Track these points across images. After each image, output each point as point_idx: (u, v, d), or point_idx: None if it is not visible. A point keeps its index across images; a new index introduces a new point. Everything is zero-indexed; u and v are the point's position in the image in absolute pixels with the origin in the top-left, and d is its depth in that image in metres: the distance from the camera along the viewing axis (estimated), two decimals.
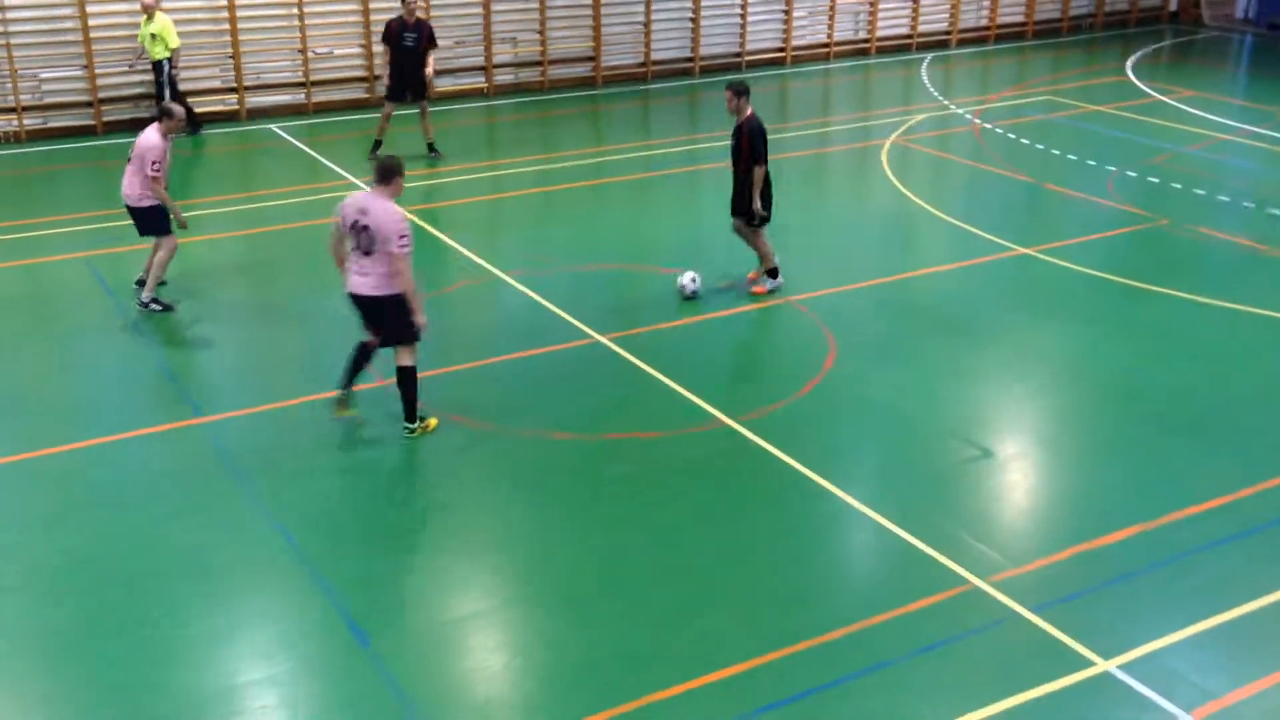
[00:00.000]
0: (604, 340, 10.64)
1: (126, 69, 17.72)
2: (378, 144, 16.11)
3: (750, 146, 11.21)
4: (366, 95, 19.57)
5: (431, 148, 16.41)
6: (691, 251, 12.74)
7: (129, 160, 10.95)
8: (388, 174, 8.57)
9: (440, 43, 17.64)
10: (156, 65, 17.03)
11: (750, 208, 11.43)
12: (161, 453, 8.86)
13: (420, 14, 16.66)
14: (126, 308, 11.36)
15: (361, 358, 8.98)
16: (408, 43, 15.61)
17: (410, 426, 8.96)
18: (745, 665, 6.50)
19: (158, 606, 7.02)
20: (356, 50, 19.43)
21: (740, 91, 11.22)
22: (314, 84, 19.20)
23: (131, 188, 10.97)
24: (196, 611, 6.99)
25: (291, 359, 10.48)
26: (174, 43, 16.94)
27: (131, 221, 11.26)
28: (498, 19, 20.17)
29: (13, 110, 17.26)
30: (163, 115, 10.87)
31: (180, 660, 6.61)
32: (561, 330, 10.87)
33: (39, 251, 12.95)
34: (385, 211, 8.43)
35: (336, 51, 19.30)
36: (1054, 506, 8.28)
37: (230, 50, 18.43)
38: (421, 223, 13.63)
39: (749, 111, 11.28)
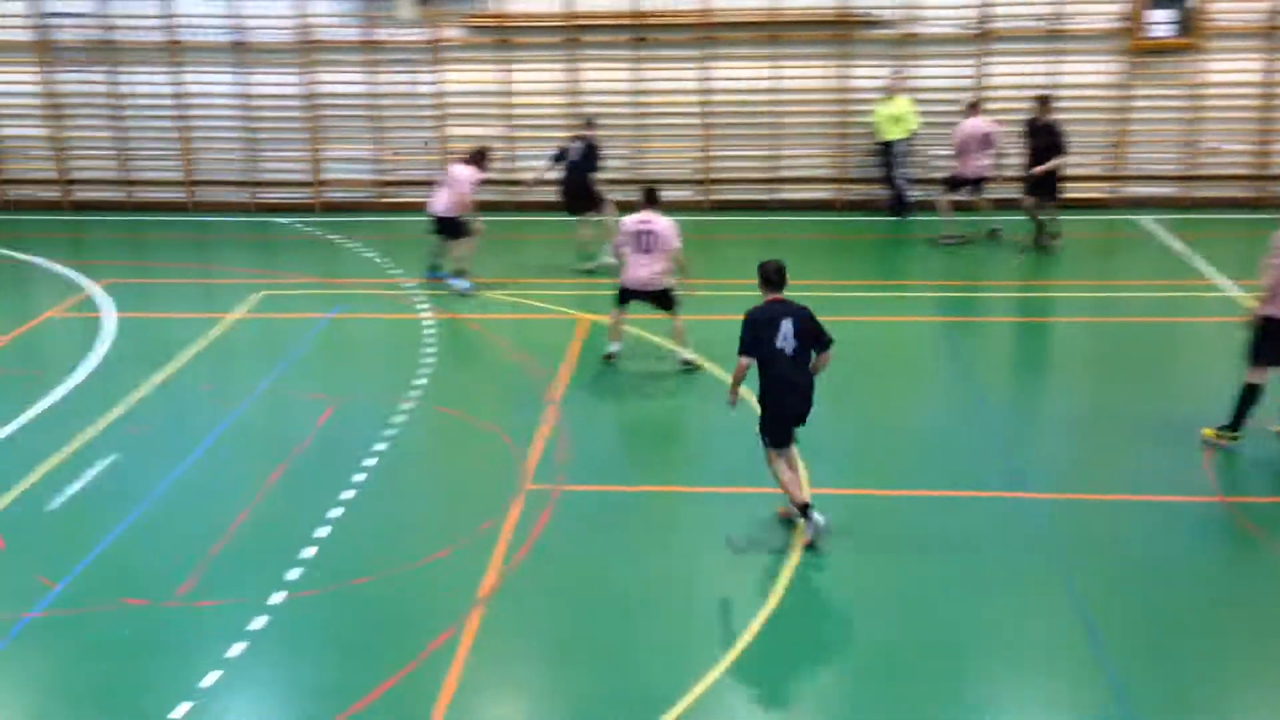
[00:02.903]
0: None
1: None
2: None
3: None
4: (1254, 195, 18.44)
5: None
6: None
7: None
8: None
9: None
10: (887, 145, 17.89)
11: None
12: (984, 517, 9.22)
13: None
14: (963, 370, 11.97)
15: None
16: None
17: None
18: None
19: (947, 653, 7.37)
20: (1248, 147, 18.42)
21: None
22: (1195, 179, 18.56)
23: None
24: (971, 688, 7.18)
25: (1116, 455, 10.31)
26: (912, 125, 17.83)
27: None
28: None
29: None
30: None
31: None
32: None
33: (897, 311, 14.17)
34: None
35: (1224, 147, 18.49)
36: None
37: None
38: None
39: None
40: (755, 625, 7.71)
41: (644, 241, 11.85)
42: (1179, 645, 7.52)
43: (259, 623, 7.74)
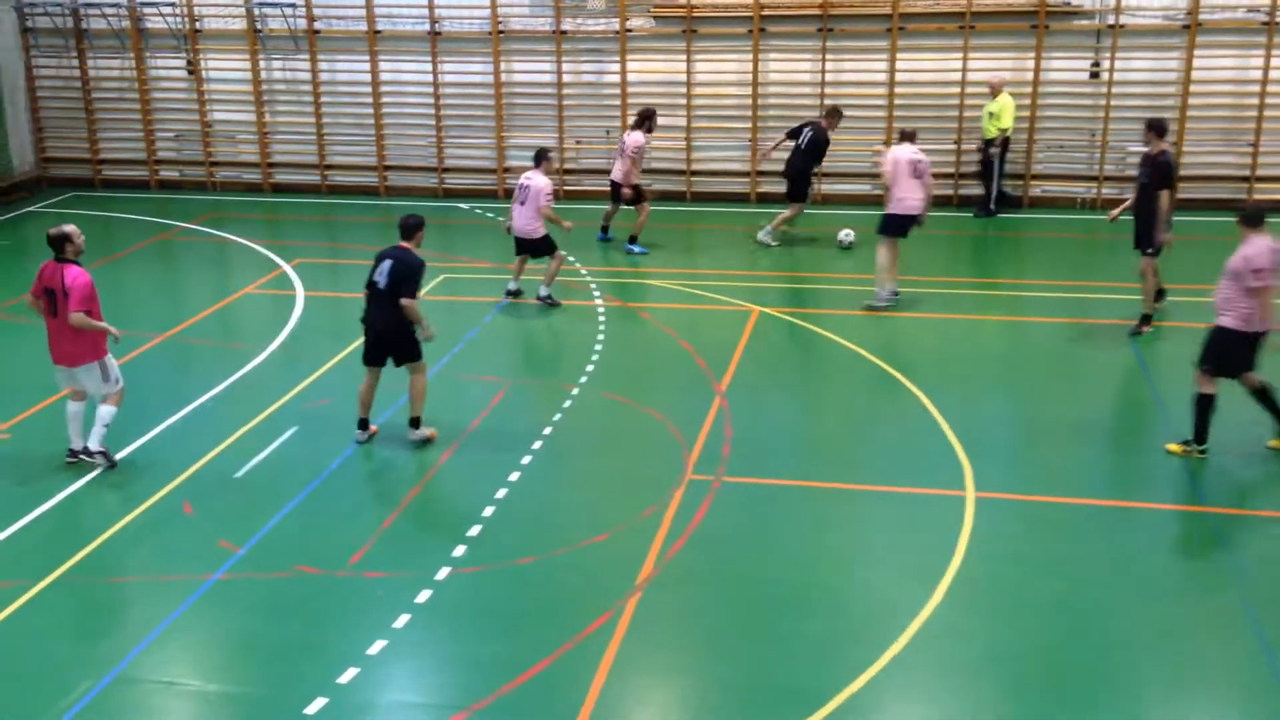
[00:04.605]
0: None
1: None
2: None
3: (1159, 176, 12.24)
4: None
5: None
6: None
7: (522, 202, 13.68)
8: None
9: None
10: (988, 142, 17.43)
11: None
12: (1158, 528, 8.85)
13: None
14: (1130, 375, 11.44)
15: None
16: None
17: None
18: None
19: (1113, 665, 7.09)
20: None
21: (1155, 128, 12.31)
22: None
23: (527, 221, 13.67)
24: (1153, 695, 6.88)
25: None
26: (1007, 123, 17.21)
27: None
28: None
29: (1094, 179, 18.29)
30: (541, 158, 13.79)
31: None
32: None
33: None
34: None
35: None
36: None
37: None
38: None
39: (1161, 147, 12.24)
40: (914, 626, 7.55)
41: (519, 194, 13.68)
42: None
43: (424, 596, 7.97)
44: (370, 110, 19.77)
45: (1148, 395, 11.28)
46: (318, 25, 19.57)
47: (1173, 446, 9.85)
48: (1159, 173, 12.36)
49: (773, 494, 9.44)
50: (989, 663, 7.32)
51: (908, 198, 13.47)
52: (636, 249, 16.06)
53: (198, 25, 19.90)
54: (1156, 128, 12.43)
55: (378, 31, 19.38)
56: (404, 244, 10.10)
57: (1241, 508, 9.08)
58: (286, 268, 15.70)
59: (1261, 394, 9.71)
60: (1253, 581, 8.03)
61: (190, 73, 20.16)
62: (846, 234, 16.07)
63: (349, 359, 11.99)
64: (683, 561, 8.42)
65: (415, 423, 10.27)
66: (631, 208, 16.20)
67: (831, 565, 8.42)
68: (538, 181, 13.62)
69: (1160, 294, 12.96)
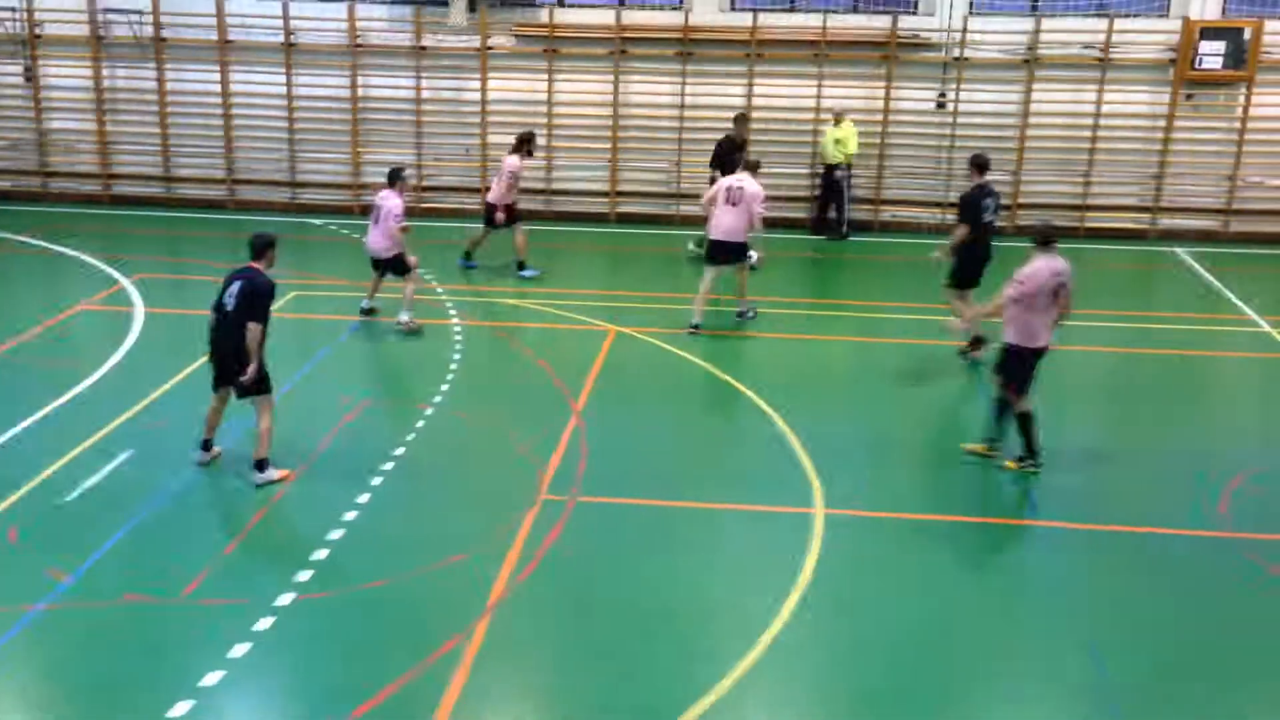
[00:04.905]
0: None
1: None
2: None
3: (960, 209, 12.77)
4: None
5: None
6: None
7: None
8: None
9: None
10: (835, 167, 17.93)
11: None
12: (998, 543, 9.11)
13: None
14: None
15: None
16: None
17: None
18: None
19: (957, 681, 7.25)
20: None
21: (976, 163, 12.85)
22: (1235, 212, 18.33)
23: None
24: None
25: (1135, 487, 10.17)
26: (854, 148, 17.77)
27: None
28: None
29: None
30: (395, 178, 13.53)
31: None
32: None
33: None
34: None
35: (1268, 182, 18.22)
36: None
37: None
38: None
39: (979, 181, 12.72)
40: (763, 642, 7.61)
41: (373, 213, 13.54)
42: (1183, 676, 7.38)
43: (265, 624, 7.71)
44: (220, 122, 19.22)
45: (986, 414, 11.62)
46: (166, 33, 18.96)
47: (1009, 464, 10.18)
48: (960, 207, 12.86)
49: (627, 514, 9.42)
50: (835, 677, 7.44)
51: (721, 224, 13.58)
52: (528, 273, 15.74)
53: (38, 31, 19.08)
54: (978, 163, 12.84)
55: (229, 41, 18.88)
56: (254, 264, 9.75)
57: (1071, 521, 9.40)
58: (126, 282, 15.10)
59: (1024, 416, 10.10)
60: (1082, 591, 8.34)
61: (27, 79, 19.31)
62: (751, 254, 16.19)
63: (192, 377, 11.55)
64: (535, 583, 8.33)
65: (261, 465, 9.68)
66: (504, 230, 15.80)
67: (684, 584, 8.43)
68: (390, 202, 13.38)
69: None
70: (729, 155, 15.83)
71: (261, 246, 9.80)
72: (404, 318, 13.40)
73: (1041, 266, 9.82)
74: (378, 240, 13.46)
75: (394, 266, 13.58)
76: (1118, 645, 7.72)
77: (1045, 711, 7.21)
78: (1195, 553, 8.98)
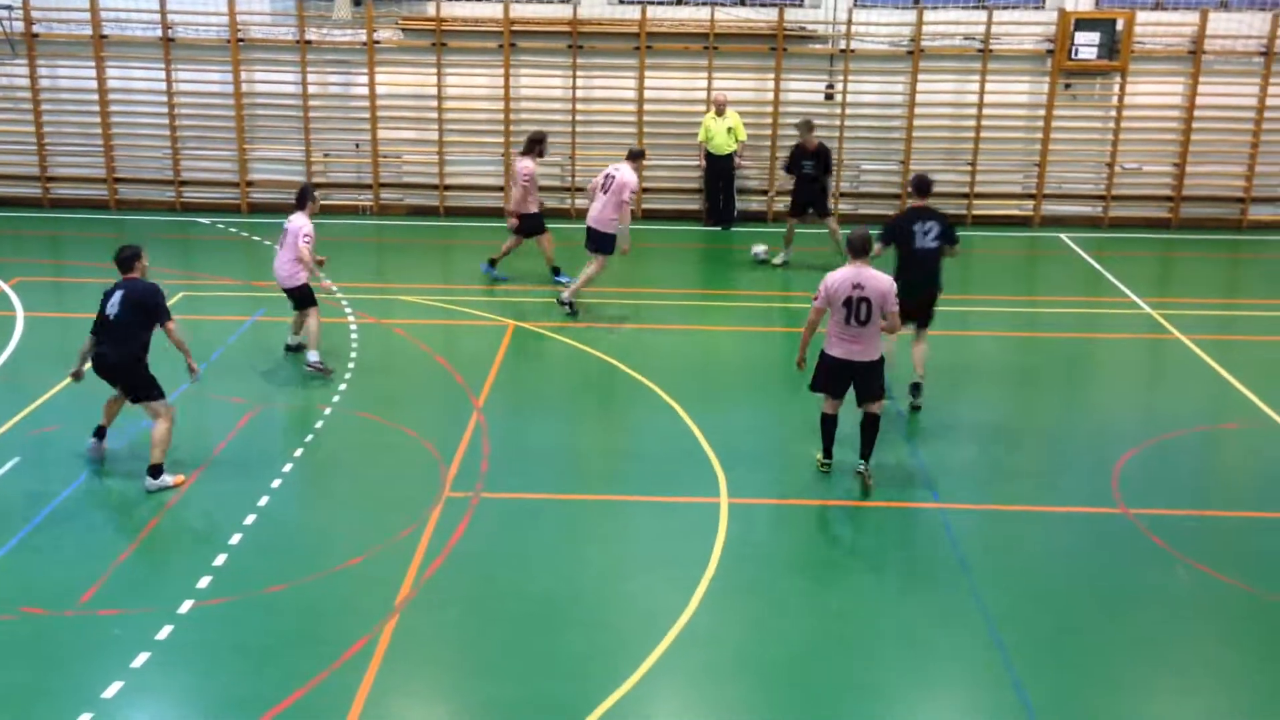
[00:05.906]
0: None
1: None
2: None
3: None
4: (1169, 215, 18.94)
5: None
6: None
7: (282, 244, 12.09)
8: None
9: None
10: (726, 158, 18.01)
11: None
12: (898, 527, 9.34)
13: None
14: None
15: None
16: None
17: None
18: None
19: (861, 662, 7.42)
20: (1167, 169, 18.88)
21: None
22: (1114, 198, 18.98)
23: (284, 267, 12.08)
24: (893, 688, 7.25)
25: (1028, 467, 10.46)
26: (743, 136, 18.02)
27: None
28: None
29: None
30: (305, 198, 12.14)
31: None
32: None
33: None
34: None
35: (1144, 168, 18.92)
36: None
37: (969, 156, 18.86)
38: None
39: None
40: (671, 634, 7.67)
41: (280, 237, 12.21)
42: (1080, 650, 7.61)
43: (165, 632, 7.53)
44: (98, 119, 18.63)
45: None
46: (37, 29, 18.30)
47: (819, 457, 10.07)
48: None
49: (532, 509, 9.41)
50: (742, 667, 7.50)
51: (591, 210, 13.83)
52: (564, 279, 15.00)
53: None
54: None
55: (104, 36, 18.30)
56: (128, 276, 9.48)
57: (969, 502, 9.65)
58: (5, 287, 14.57)
59: (871, 422, 9.79)
60: (981, 573, 8.54)
61: None
62: (759, 249, 16.54)
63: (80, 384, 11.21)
64: (441, 581, 8.27)
65: (155, 471, 9.40)
66: (531, 239, 15.19)
67: (591, 578, 8.45)
68: (296, 222, 12.03)
69: None
70: (797, 161, 16.39)
71: (129, 259, 9.54)
72: (312, 358, 12.04)
73: (838, 276, 9.45)
74: (283, 265, 12.10)
75: (296, 297, 12.32)
76: (1017, 618, 7.95)
77: (951, 689, 7.40)
78: (1090, 528, 9.28)
